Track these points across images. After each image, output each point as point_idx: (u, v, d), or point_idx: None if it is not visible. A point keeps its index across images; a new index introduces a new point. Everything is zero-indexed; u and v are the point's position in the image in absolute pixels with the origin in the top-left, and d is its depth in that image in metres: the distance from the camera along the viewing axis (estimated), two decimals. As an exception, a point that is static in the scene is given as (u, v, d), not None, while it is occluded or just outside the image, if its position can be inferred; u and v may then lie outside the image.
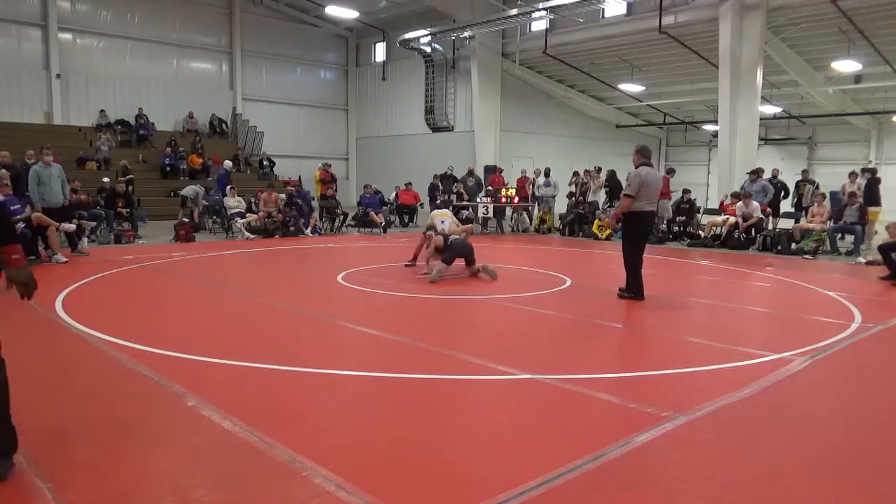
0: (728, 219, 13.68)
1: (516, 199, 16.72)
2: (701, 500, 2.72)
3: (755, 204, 13.33)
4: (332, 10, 22.23)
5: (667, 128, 29.77)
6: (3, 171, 9.56)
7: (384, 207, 17.21)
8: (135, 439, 3.24)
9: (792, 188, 15.71)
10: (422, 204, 18.90)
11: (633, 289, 7.29)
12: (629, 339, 5.93)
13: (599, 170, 17.50)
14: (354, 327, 5.81)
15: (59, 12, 20.96)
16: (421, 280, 8.39)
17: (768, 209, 13.99)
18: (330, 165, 18.46)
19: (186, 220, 13.77)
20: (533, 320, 6.37)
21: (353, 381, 4.36)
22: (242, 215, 14.16)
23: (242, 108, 25.39)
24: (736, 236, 13.28)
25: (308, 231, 14.63)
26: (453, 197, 16.79)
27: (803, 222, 13.13)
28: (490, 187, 17.16)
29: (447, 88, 24.78)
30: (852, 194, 12.76)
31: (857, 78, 20.16)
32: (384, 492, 2.71)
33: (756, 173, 14.04)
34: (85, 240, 11.35)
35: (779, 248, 12.63)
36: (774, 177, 14.99)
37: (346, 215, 16.34)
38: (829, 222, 12.78)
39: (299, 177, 20.27)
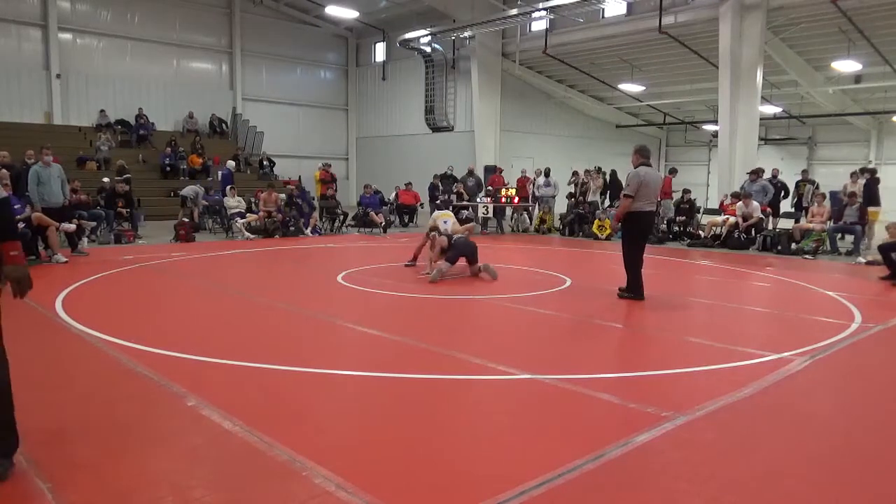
0: (728, 219, 13.68)
1: (516, 199, 16.72)
2: (701, 500, 2.72)
3: (755, 204, 13.33)
4: (332, 10, 22.24)
5: (667, 128, 29.78)
6: (3, 170, 9.56)
7: (384, 207, 17.21)
8: (135, 439, 3.24)
9: (792, 188, 15.71)
10: (422, 204, 18.91)
11: (633, 289, 7.29)
12: (629, 339, 5.93)
13: (599, 170, 17.50)
14: (354, 327, 5.81)
15: (59, 12, 20.97)
16: (421, 280, 8.39)
17: (768, 209, 13.99)
18: (330, 165, 18.47)
19: (186, 220, 13.77)
20: (533, 320, 6.37)
21: (353, 381, 4.36)
22: (242, 215, 14.16)
23: (242, 108, 25.39)
24: (736, 236, 13.28)
25: (308, 231, 14.63)
26: (453, 197, 16.79)
27: (803, 222, 13.13)
28: (490, 187, 17.17)
29: (447, 88, 24.79)
30: (852, 194, 12.76)
31: (857, 78, 20.17)
32: (384, 492, 2.71)
33: (756, 173, 14.03)
34: (85, 240, 11.35)
35: (779, 248, 12.64)
36: (774, 177, 14.99)
37: (346, 215, 16.34)
38: (829, 222, 12.78)
39: (299, 177, 20.25)
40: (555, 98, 25.61)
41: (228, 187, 15.25)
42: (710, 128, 25.26)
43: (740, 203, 13.51)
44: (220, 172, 18.42)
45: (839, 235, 12.83)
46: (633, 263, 7.29)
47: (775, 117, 23.72)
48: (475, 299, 7.40)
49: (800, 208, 14.88)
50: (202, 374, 4.34)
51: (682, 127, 28.87)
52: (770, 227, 13.92)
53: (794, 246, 12.51)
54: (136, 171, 19.52)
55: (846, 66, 18.52)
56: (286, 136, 26.14)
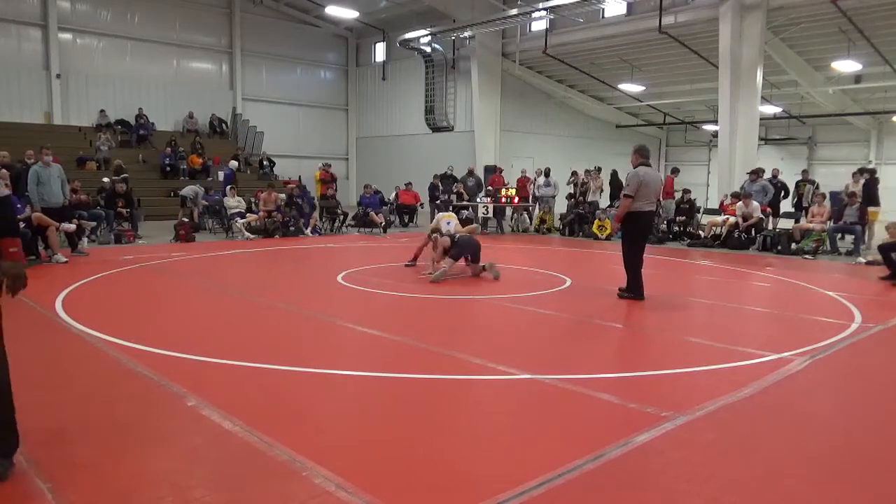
0: (728, 219, 13.68)
1: (516, 199, 16.72)
2: (701, 500, 2.72)
3: (755, 204, 13.33)
4: (332, 10, 22.24)
5: (667, 128, 29.78)
6: (3, 170, 9.56)
7: (384, 207, 17.21)
8: (135, 439, 3.24)
9: (792, 188, 15.71)
10: (422, 204, 18.91)
11: (633, 289, 7.29)
12: (629, 339, 5.93)
13: (599, 170, 17.50)
14: (354, 327, 5.81)
15: (59, 12, 20.97)
16: (421, 280, 8.39)
17: (768, 209, 13.99)
18: (330, 165, 18.46)
19: (186, 220, 13.77)
20: (533, 320, 6.37)
21: (353, 381, 4.36)
22: (242, 215, 14.16)
23: (242, 108, 25.39)
24: (736, 236, 13.28)
25: (308, 231, 14.63)
26: (453, 197, 16.80)
27: (803, 222, 13.13)
28: (490, 187, 17.17)
29: (447, 88, 24.79)
30: (853, 194, 12.76)
31: (857, 78, 20.17)
32: (384, 492, 2.71)
33: (756, 173, 14.03)
34: (85, 240, 11.34)
35: (779, 248, 12.64)
36: (774, 177, 14.99)
37: (346, 215, 16.34)
38: (829, 222, 12.79)
39: (299, 177, 20.27)
40: (555, 98, 25.61)
41: (229, 187, 15.25)
42: (710, 128, 25.27)
43: (740, 203, 13.51)
44: (222, 172, 18.47)
45: (839, 235, 12.83)
46: (633, 263, 7.28)
47: (775, 117, 23.72)
48: (475, 299, 7.40)
49: (800, 208, 14.88)
50: (202, 374, 4.34)
51: (682, 127, 28.87)
52: (770, 227, 13.92)
53: (794, 246, 12.51)
54: (136, 171, 19.53)
55: (846, 66, 18.52)
56: (286, 136, 26.14)
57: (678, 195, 15.61)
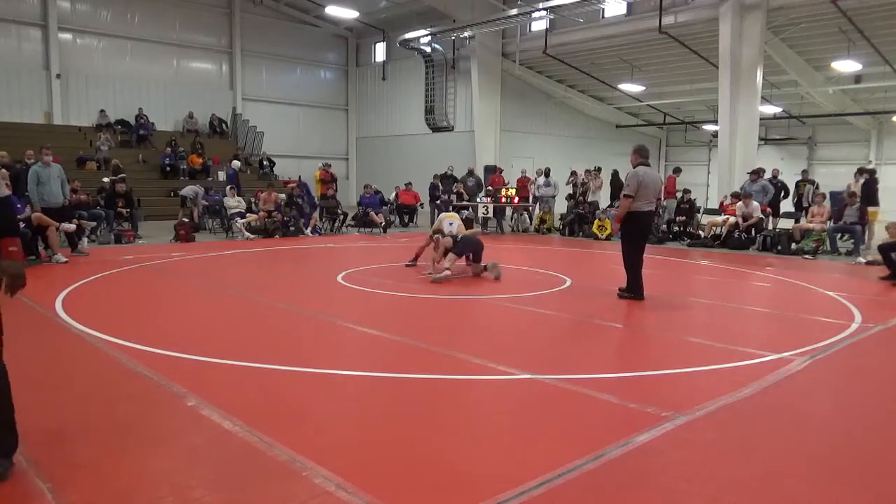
0: (728, 219, 13.68)
1: (516, 199, 16.73)
2: (701, 500, 2.72)
3: (755, 204, 13.33)
4: (332, 10, 22.24)
5: (667, 128, 29.78)
6: (3, 170, 9.56)
7: (384, 207, 17.21)
8: (135, 439, 3.24)
9: (792, 188, 15.72)
10: (422, 204, 18.91)
11: (633, 289, 7.28)
12: (629, 339, 5.93)
13: (599, 170, 17.50)
14: (354, 327, 5.81)
15: (59, 12, 20.97)
16: (421, 280, 8.39)
17: (768, 209, 14.00)
18: (330, 165, 18.46)
19: (186, 220, 13.77)
20: (533, 320, 6.37)
21: (353, 381, 4.36)
22: (242, 215, 14.16)
23: (242, 108, 25.40)
24: (736, 236, 13.28)
25: (308, 231, 14.63)
26: (453, 197, 16.80)
27: (803, 222, 13.13)
28: (490, 187, 17.17)
29: (447, 88, 24.79)
30: (853, 194, 12.77)
31: (857, 78, 20.17)
32: (384, 492, 2.71)
33: (757, 173, 14.04)
34: (85, 240, 11.34)
35: (779, 248, 12.64)
36: (775, 177, 14.99)
37: (346, 215, 16.34)
38: (829, 222, 12.79)
39: (299, 176, 20.27)
40: (555, 98, 25.61)
41: (229, 188, 15.25)
42: (710, 128, 25.27)
43: (740, 203, 13.51)
44: (225, 172, 18.49)
45: (839, 235, 12.82)
46: (632, 263, 7.28)
47: (775, 117, 23.72)
48: (475, 299, 7.40)
49: (800, 208, 14.88)
50: (202, 374, 4.34)
51: (682, 127, 28.87)
52: (770, 227, 13.92)
53: (794, 246, 12.51)
54: (136, 171, 19.55)
55: (846, 66, 18.52)
56: (286, 136, 26.14)
57: (679, 195, 15.61)
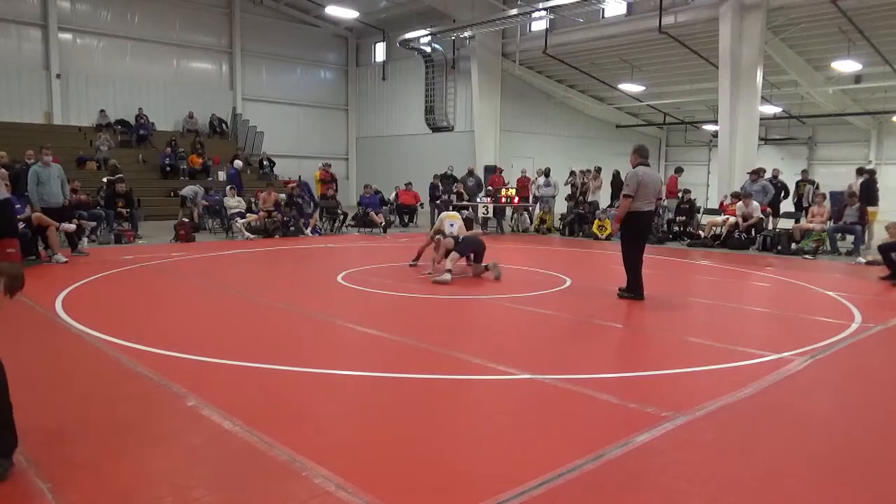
0: (728, 219, 13.68)
1: (516, 199, 16.73)
2: (701, 500, 2.72)
3: (755, 204, 13.34)
4: (332, 10, 22.24)
5: (667, 128, 29.78)
6: (3, 170, 9.56)
7: (384, 207, 17.21)
8: (135, 439, 3.24)
9: (792, 188, 15.72)
10: (422, 204, 18.91)
11: (633, 289, 7.28)
12: (629, 339, 5.93)
13: (599, 170, 17.50)
14: (354, 327, 5.81)
15: (59, 12, 20.97)
16: (422, 280, 8.39)
17: (768, 209, 14.00)
18: (330, 165, 18.46)
19: (186, 220, 13.77)
20: (533, 320, 6.37)
21: (353, 381, 4.36)
22: (242, 215, 14.16)
23: (242, 108, 25.40)
24: (736, 236, 13.28)
25: (308, 231, 14.63)
26: (453, 197, 16.80)
27: (803, 222, 13.14)
28: (490, 187, 17.17)
29: (447, 88, 24.79)
30: (853, 194, 12.76)
31: (857, 78, 20.18)
32: (384, 492, 2.71)
33: (757, 173, 14.04)
34: (85, 240, 11.34)
35: (779, 248, 12.64)
36: (775, 177, 14.99)
37: (346, 215, 16.34)
38: (829, 222, 12.79)
39: (299, 176, 20.28)
40: (555, 98, 25.61)
41: (229, 187, 15.26)
42: (710, 128, 25.27)
43: (740, 203, 13.51)
44: (227, 172, 18.48)
45: (839, 235, 12.82)
46: (632, 263, 7.28)
47: (775, 117, 23.72)
48: (475, 299, 7.40)
49: (800, 208, 14.89)
50: (202, 374, 4.34)
51: (682, 127, 28.87)
52: (770, 227, 13.92)
53: (794, 246, 12.51)
54: (136, 171, 19.56)
55: (846, 66, 18.52)
56: (286, 136, 26.15)
57: (680, 195, 15.60)
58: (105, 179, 14.81)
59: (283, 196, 14.98)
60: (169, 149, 20.44)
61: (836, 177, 20.94)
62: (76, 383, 4.16)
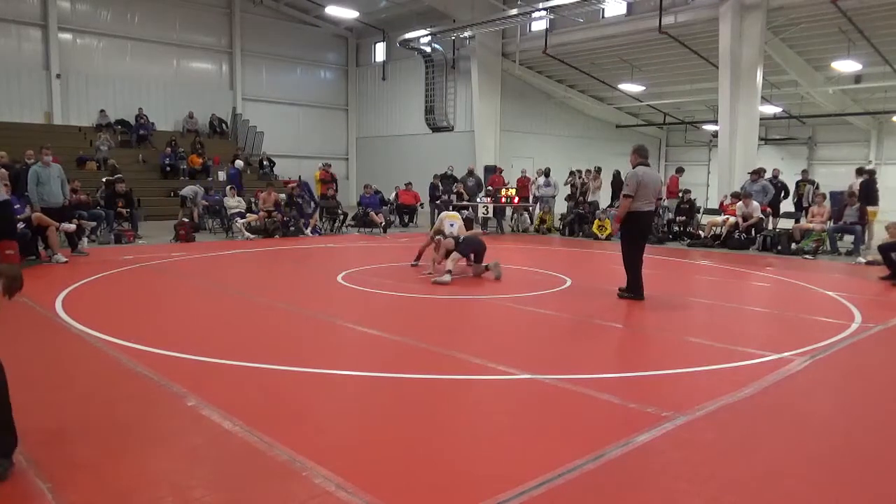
0: (728, 219, 13.68)
1: (516, 199, 16.73)
2: (701, 500, 2.72)
3: (755, 204, 13.34)
4: (332, 10, 22.24)
5: (667, 128, 29.78)
6: (2, 170, 9.56)
7: (384, 207, 17.21)
8: (135, 439, 3.24)
9: (792, 188, 15.72)
10: (422, 204, 18.91)
11: (633, 289, 7.29)
12: (629, 339, 5.93)
13: (599, 170, 17.50)
14: (354, 327, 5.81)
15: (59, 12, 20.97)
16: (422, 280, 8.39)
17: (768, 209, 14.00)
18: (330, 165, 18.46)
19: (186, 220, 13.77)
20: (533, 320, 6.37)
21: (353, 381, 4.36)
22: (242, 215, 14.16)
23: (242, 108, 25.40)
24: (736, 236, 13.28)
25: (308, 231, 14.63)
26: (453, 197, 16.80)
27: (803, 222, 13.14)
28: (490, 187, 17.17)
29: (447, 88, 24.79)
30: (853, 194, 12.76)
31: (857, 78, 20.17)
32: (384, 492, 2.71)
33: (758, 173, 14.04)
34: (85, 240, 11.34)
35: (779, 248, 12.64)
36: (775, 177, 14.99)
37: (346, 215, 16.34)
38: (829, 222, 12.79)
39: (300, 176, 20.29)
40: (555, 98, 25.61)
41: (229, 187, 15.26)
42: (710, 128, 25.27)
43: (740, 203, 13.51)
44: (228, 172, 18.48)
45: (839, 236, 12.82)
46: (632, 263, 7.28)
47: (775, 117, 23.72)
48: (475, 299, 7.40)
49: (800, 208, 14.89)
50: (202, 374, 4.34)
51: (682, 127, 28.87)
52: (770, 227, 13.92)
53: (794, 246, 12.51)
54: (136, 171, 19.56)
55: (846, 66, 18.52)
56: (286, 136, 26.15)
57: (680, 195, 15.60)
58: (104, 180, 14.81)
59: (283, 196, 14.98)
60: (169, 149, 20.44)
61: (836, 177, 20.94)
62: (76, 383, 4.16)
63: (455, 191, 17.07)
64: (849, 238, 12.70)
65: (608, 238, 14.62)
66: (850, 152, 25.20)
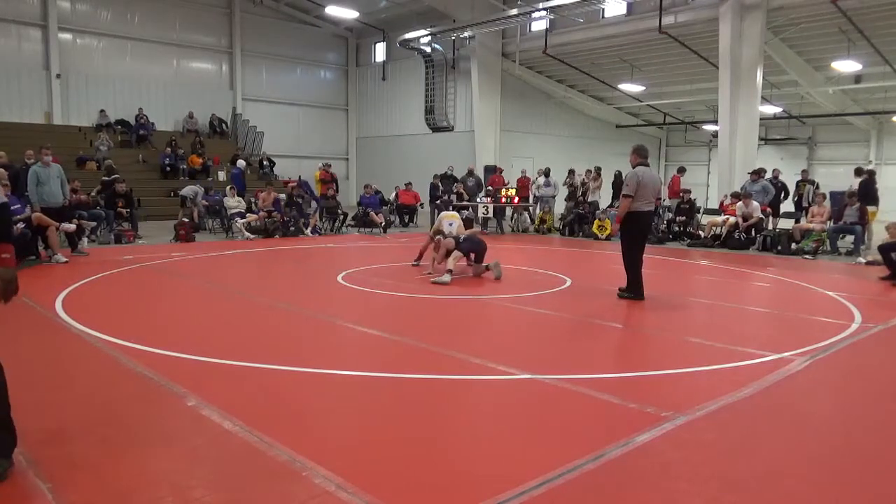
0: (728, 219, 13.68)
1: (516, 199, 16.73)
2: (701, 500, 2.72)
3: (755, 204, 13.34)
4: (332, 10, 22.24)
5: (667, 128, 29.78)
6: (2, 170, 9.56)
7: (384, 207, 17.22)
8: (135, 439, 3.24)
9: (792, 188, 15.72)
10: (422, 204, 18.91)
11: (633, 289, 7.29)
12: (629, 339, 5.93)
13: (599, 170, 17.50)
14: (354, 327, 5.81)
15: (59, 12, 20.97)
16: (422, 280, 8.39)
17: (768, 209, 13.99)
18: (330, 165, 18.46)
19: (186, 220, 13.77)
20: (533, 320, 6.37)
21: (353, 381, 4.36)
22: (242, 215, 14.16)
23: (242, 108, 25.39)
24: (736, 236, 13.28)
25: (308, 231, 14.63)
26: (453, 197, 16.80)
27: (803, 222, 13.14)
28: (490, 187, 17.17)
29: (447, 88, 24.79)
30: (853, 194, 12.76)
31: (857, 78, 20.17)
32: (384, 492, 2.71)
33: (758, 173, 14.04)
34: (85, 240, 11.34)
35: (779, 248, 12.64)
36: (776, 177, 14.99)
37: (346, 215, 16.35)
38: (829, 222, 12.78)
39: (299, 176, 20.30)
40: (555, 98, 25.61)
41: (229, 187, 15.26)
42: (710, 128, 25.27)
43: (740, 203, 13.51)
44: (231, 171, 18.47)
45: (841, 236, 12.81)
46: (632, 263, 7.29)
47: (775, 117, 23.72)
48: (475, 299, 7.40)
49: (800, 208, 14.89)
50: (202, 374, 4.34)
51: (682, 127, 28.87)
52: (770, 227, 13.92)
53: (794, 246, 12.51)
54: (136, 171, 19.56)
55: (846, 66, 18.52)
56: (286, 136, 26.14)
57: (681, 195, 15.58)
58: (102, 179, 14.79)
59: (282, 196, 14.98)
60: (169, 149, 20.44)
61: (836, 177, 20.95)
62: (76, 383, 4.16)
63: (455, 191, 17.07)
64: (849, 238, 12.71)
65: (608, 238, 14.62)
66: (850, 152, 25.20)
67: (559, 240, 15.44)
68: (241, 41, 25.19)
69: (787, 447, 3.30)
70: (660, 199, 13.67)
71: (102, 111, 21.79)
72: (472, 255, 8.74)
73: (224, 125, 24.45)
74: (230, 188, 15.13)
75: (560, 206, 18.10)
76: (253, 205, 14.76)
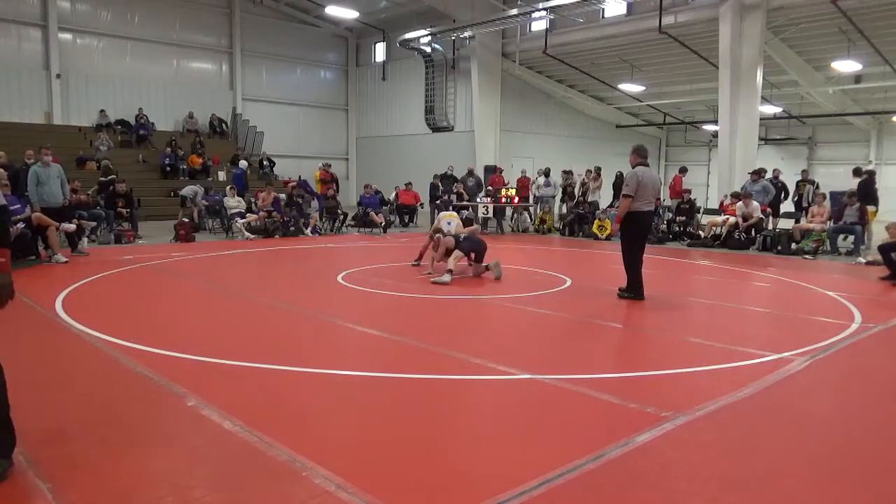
0: (728, 219, 13.68)
1: (516, 199, 16.73)
2: (701, 500, 2.72)
3: (755, 204, 13.34)
4: (332, 10, 22.24)
5: (667, 128, 29.78)
6: (2, 170, 9.56)
7: (384, 207, 17.22)
8: (135, 439, 3.24)
9: (792, 188, 15.71)
10: (422, 204, 18.91)
11: (633, 289, 7.29)
12: (629, 339, 5.93)
13: (599, 170, 17.50)
14: (354, 327, 5.81)
15: (59, 12, 20.97)
16: (421, 280, 8.39)
17: (768, 209, 13.99)
18: (330, 165, 18.47)
19: (186, 220, 13.77)
20: (533, 320, 6.37)
21: (353, 381, 4.36)
22: (242, 215, 14.16)
23: (242, 108, 25.39)
24: (736, 236, 13.28)
25: (308, 231, 14.63)
26: (453, 197, 16.80)
27: (803, 222, 13.13)
28: (490, 187, 17.17)
29: (447, 88, 24.79)
30: (852, 194, 12.76)
31: (857, 78, 20.17)
32: (384, 492, 2.71)
33: (758, 173, 14.04)
34: (85, 240, 11.34)
35: (779, 248, 12.64)
36: (776, 177, 14.99)
37: (346, 215, 16.35)
38: (829, 222, 12.78)
39: (299, 176, 20.30)
40: (555, 98, 25.61)
41: (229, 187, 15.27)
42: (710, 128, 25.27)
43: (740, 203, 13.51)
44: (232, 171, 18.48)
45: (842, 236, 12.81)
46: (632, 263, 7.29)
47: (775, 117, 23.72)
48: (475, 299, 7.40)
49: (800, 208, 14.88)
50: (202, 374, 4.34)
51: (682, 127, 28.87)
52: (770, 227, 13.92)
53: (794, 246, 12.51)
54: (136, 171, 19.56)
55: (846, 66, 18.52)
56: (286, 136, 26.15)
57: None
58: (98, 180, 14.78)
59: (282, 196, 14.98)
60: (169, 149, 20.44)
61: (836, 177, 20.93)
62: (76, 383, 4.16)
63: (455, 191, 17.08)
64: (849, 238, 12.70)
65: (608, 238, 14.62)
66: (850, 152, 25.20)
67: (559, 240, 15.44)
68: (241, 41, 25.19)
69: (787, 447, 3.30)
70: (660, 199, 13.69)
71: (102, 111, 21.78)
72: (473, 255, 8.74)
73: (224, 125, 24.45)
74: (230, 188, 15.13)
75: (560, 207, 18.11)
76: (253, 205, 14.76)
